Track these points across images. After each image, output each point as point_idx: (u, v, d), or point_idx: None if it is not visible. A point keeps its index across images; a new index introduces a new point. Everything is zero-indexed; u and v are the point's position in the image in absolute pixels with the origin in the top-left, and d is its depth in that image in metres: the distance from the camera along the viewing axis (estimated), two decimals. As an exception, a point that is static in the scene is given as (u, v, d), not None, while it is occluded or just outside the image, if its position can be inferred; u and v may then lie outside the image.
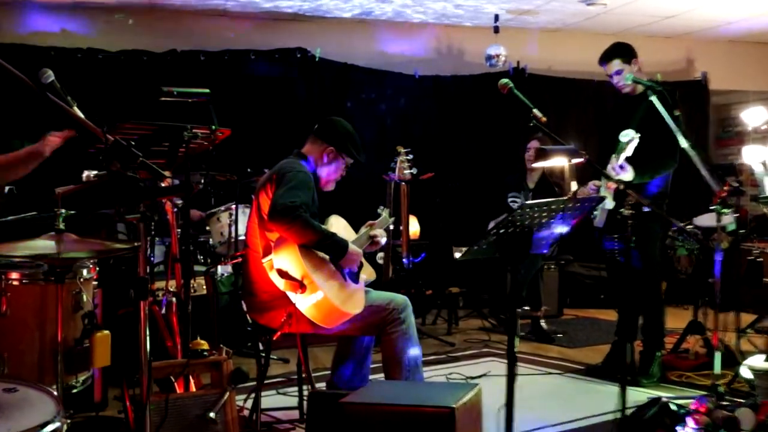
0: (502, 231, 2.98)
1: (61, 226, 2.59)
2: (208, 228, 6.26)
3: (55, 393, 2.18)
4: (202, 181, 6.18)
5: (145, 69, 7.68)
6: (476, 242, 3.03)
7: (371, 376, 4.28)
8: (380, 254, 6.51)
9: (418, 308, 4.56)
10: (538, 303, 6.76)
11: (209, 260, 6.29)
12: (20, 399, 2.12)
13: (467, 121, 8.81)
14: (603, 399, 4.59)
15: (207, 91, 3.61)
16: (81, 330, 2.70)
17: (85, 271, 2.79)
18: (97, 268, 2.95)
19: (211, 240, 6.26)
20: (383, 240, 4.30)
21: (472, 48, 8.91)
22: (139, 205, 2.68)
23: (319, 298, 3.61)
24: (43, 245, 2.55)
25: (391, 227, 4.52)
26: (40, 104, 3.46)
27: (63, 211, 2.60)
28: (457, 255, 7.22)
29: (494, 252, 3.06)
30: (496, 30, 8.38)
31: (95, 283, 2.93)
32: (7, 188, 3.82)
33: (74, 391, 2.75)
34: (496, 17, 8.34)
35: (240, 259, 4.95)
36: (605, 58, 5.11)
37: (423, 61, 8.87)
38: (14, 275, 2.61)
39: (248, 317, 4.18)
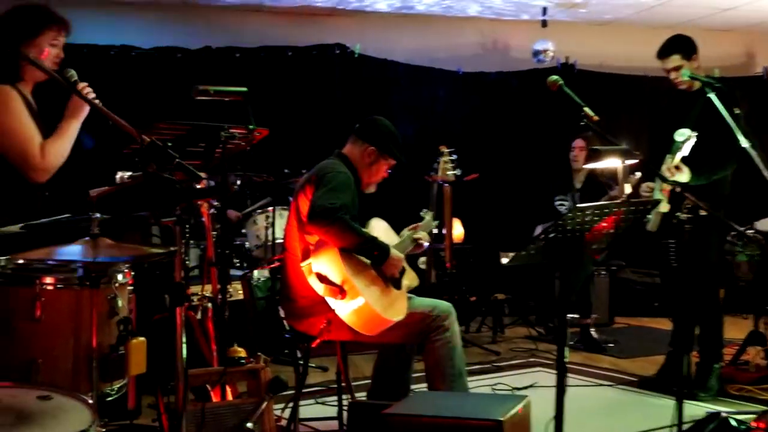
0: (551, 236, 2.97)
1: (96, 230, 2.63)
2: (244, 231, 6.32)
3: (90, 401, 2.22)
4: (238, 182, 6.26)
5: (179, 66, 7.77)
6: (524, 247, 3.02)
7: (413, 386, 4.29)
8: (422, 259, 6.51)
9: (461, 315, 4.53)
10: (587, 310, 6.71)
11: (245, 264, 6.34)
12: (55, 407, 2.16)
13: (513, 120, 8.77)
14: (657, 413, 4.54)
15: (244, 89, 3.64)
16: (116, 336, 2.73)
17: (120, 276, 2.82)
18: (132, 273, 2.98)
19: (247, 243, 6.32)
20: (426, 243, 4.31)
21: (519, 43, 8.89)
22: (175, 207, 2.72)
23: (359, 304, 3.61)
24: (78, 250, 2.59)
25: (435, 231, 4.52)
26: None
27: (98, 214, 2.64)
28: (505, 261, 7.20)
29: (543, 258, 3.05)
30: (544, 24, 8.35)
31: (130, 288, 2.97)
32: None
33: (109, 399, 2.78)
34: (544, 10, 8.30)
35: (278, 264, 4.99)
36: (664, 52, 5.05)
37: (467, 57, 8.86)
38: (48, 280, 2.64)
39: (286, 323, 4.21)
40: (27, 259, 2.70)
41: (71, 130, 3.48)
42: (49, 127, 3.51)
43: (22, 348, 2.60)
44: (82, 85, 3.31)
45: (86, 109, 3.47)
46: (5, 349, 2.55)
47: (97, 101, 3.18)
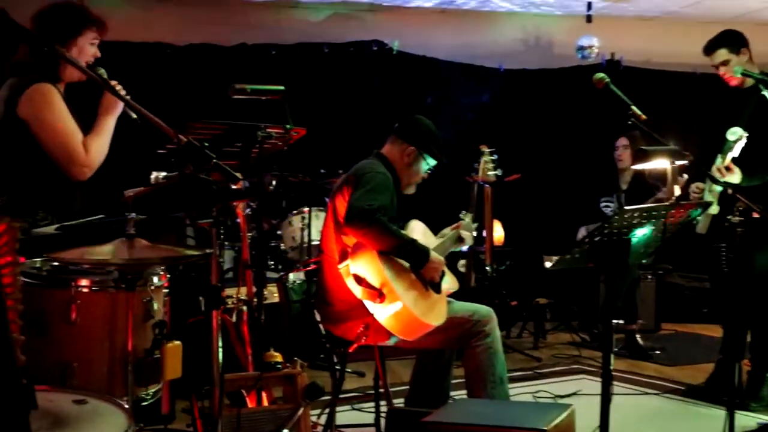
0: (596, 239, 2.95)
1: (132, 230, 2.66)
2: (279, 232, 6.34)
3: (126, 406, 2.24)
4: (274, 182, 6.28)
5: (213, 64, 7.83)
6: (568, 250, 3.01)
7: (452, 393, 4.28)
8: (462, 262, 6.50)
9: (502, 320, 4.51)
10: (633, 316, 6.65)
11: (280, 266, 6.37)
12: (90, 411, 2.18)
13: (556, 119, 8.71)
14: (706, 424, 4.50)
15: (281, 88, 3.65)
16: (151, 340, 2.76)
17: (155, 279, 2.85)
18: (168, 276, 3.01)
19: (282, 245, 6.34)
20: (469, 241, 4.32)
21: (562, 39, 8.83)
22: (211, 209, 2.74)
23: (398, 308, 3.62)
24: (114, 251, 2.62)
25: (474, 233, 4.51)
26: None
27: (134, 215, 2.67)
28: (548, 264, 7.16)
29: (589, 262, 3.03)
30: (589, 19, 8.28)
31: (165, 290, 3.00)
32: None
33: (144, 404, 2.81)
34: (589, 5, 8.23)
35: (314, 266, 5.01)
36: (710, 47, 5.00)
37: (509, 53, 8.82)
38: (84, 282, 2.68)
39: (322, 327, 4.21)
40: (62, 261, 2.73)
41: (108, 126, 3.53)
42: (81, 126, 3.55)
43: (58, 351, 2.64)
44: (113, 82, 3.35)
45: (120, 105, 3.52)
46: (40, 352, 2.59)
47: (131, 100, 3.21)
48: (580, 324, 7.59)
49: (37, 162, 3.39)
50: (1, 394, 1.27)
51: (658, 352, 6.64)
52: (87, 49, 3.53)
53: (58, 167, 3.41)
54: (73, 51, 3.46)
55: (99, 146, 3.46)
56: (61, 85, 3.53)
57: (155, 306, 2.79)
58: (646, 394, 5.37)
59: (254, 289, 3.85)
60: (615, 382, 3.05)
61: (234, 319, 4.09)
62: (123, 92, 3.27)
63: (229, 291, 4.27)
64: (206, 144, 2.48)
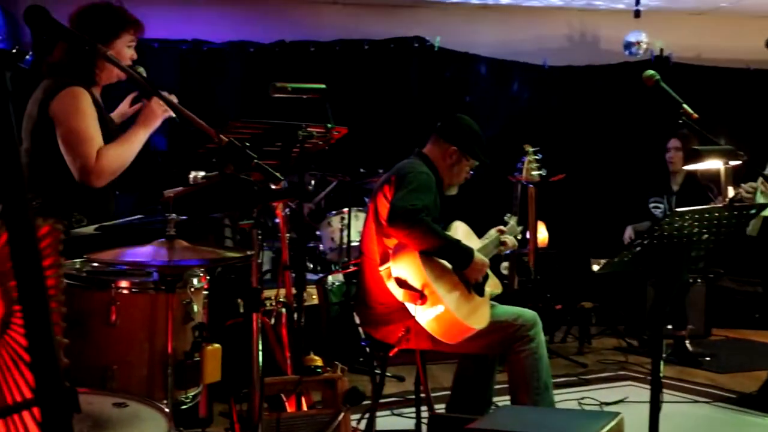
0: (647, 242, 2.92)
1: (173, 231, 2.68)
2: (318, 233, 6.37)
3: (166, 409, 2.26)
4: (312, 182, 6.32)
5: (251, 61, 7.88)
6: (616, 252, 2.99)
7: (495, 399, 4.27)
8: (504, 264, 6.48)
9: (546, 324, 4.50)
10: (682, 321, 6.59)
11: (318, 267, 6.40)
12: (130, 414, 2.21)
13: (603, 117, 8.65)
14: (759, 433, 4.45)
15: (323, 86, 3.66)
16: (191, 343, 2.79)
17: (195, 280, 2.88)
18: (207, 277, 3.04)
19: (320, 246, 6.37)
20: (511, 246, 4.31)
21: (609, 34, 8.77)
22: (252, 209, 2.76)
23: (440, 310, 3.62)
24: (154, 252, 2.65)
25: (519, 236, 4.51)
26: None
27: (174, 215, 2.69)
28: (595, 268, 7.11)
29: (638, 266, 3.01)
30: (637, 14, 8.20)
31: (205, 292, 3.02)
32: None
33: (183, 407, 2.84)
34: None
35: (354, 268, 5.02)
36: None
37: (553, 49, 8.77)
38: (124, 283, 2.71)
39: (361, 331, 4.23)
40: (102, 262, 2.77)
41: (138, 138, 3.53)
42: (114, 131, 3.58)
43: (97, 353, 2.67)
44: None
45: (159, 120, 3.55)
46: (80, 354, 2.62)
47: (175, 100, 3.23)
48: (626, 329, 7.53)
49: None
50: (46, 397, 1.29)
51: (708, 358, 6.57)
52: (124, 51, 3.57)
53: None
54: (110, 53, 3.50)
55: (115, 156, 3.42)
56: (97, 89, 3.56)
57: (195, 308, 2.82)
58: (696, 402, 5.31)
59: (293, 291, 3.87)
60: (664, 390, 3.01)
61: (272, 321, 4.11)
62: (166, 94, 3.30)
63: (268, 293, 4.31)
64: (247, 144, 2.50)
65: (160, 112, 3.55)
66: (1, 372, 1.51)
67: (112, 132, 3.55)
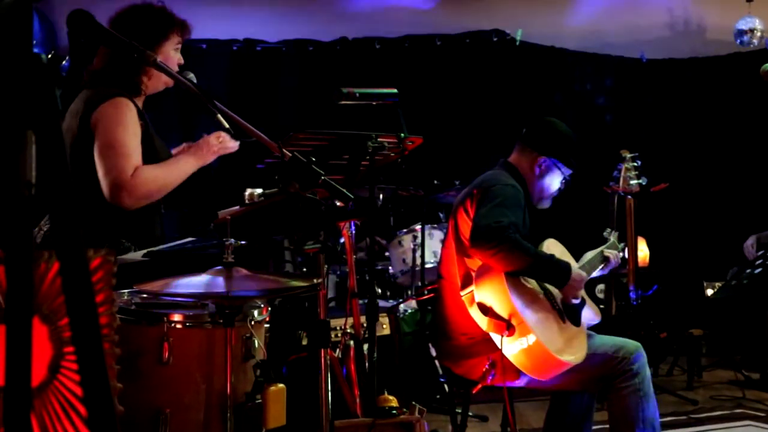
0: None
1: (231, 258, 2.70)
2: (387, 254, 6.38)
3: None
4: (381, 197, 6.33)
5: (310, 61, 7.95)
6: (735, 272, 2.94)
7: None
8: (600, 287, 6.41)
9: (650, 355, 4.43)
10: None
11: (388, 292, 6.41)
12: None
13: (711, 116, 8.53)
14: None
15: (394, 91, 3.66)
16: (252, 382, 2.80)
17: (256, 312, 2.89)
18: (269, 308, 3.05)
19: (390, 268, 6.38)
20: (616, 260, 4.27)
21: (717, 22, 8.65)
22: (318, 231, 2.77)
23: (530, 342, 3.60)
24: (210, 281, 2.66)
25: (620, 254, 4.46)
26: (198, 112, 3.68)
27: (232, 240, 2.71)
28: (709, 292, 7.00)
29: (762, 290, 2.95)
30: (750, -3, 8.10)
31: (266, 326, 3.04)
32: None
33: (244, 454, 2.85)
34: (750, -19, 8.06)
35: (430, 295, 5.01)
36: None
37: (651, 40, 8.69)
38: (177, 317, 2.73)
39: (438, 364, 4.21)
40: (152, 293, 2.79)
41: (184, 167, 3.56)
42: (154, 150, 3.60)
43: (148, 395, 2.68)
44: None
45: (213, 156, 3.58)
46: (130, 397, 2.63)
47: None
48: (743, 359, 7.39)
49: None
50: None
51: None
52: (172, 55, 3.62)
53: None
54: (158, 58, 3.54)
55: (153, 177, 3.43)
56: (140, 99, 3.60)
57: (256, 344, 2.83)
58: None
59: (362, 321, 3.87)
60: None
61: (339, 355, 4.11)
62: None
63: (333, 322, 4.31)
64: (313, 159, 2.51)
65: (216, 147, 3.58)
66: (50, 420, 1.54)
67: (159, 150, 3.57)
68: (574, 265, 4.08)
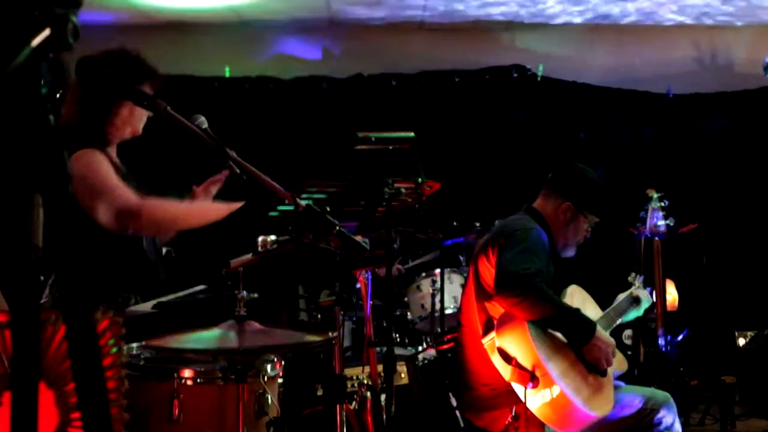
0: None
1: (243, 311, 2.71)
2: (405, 299, 6.36)
3: None
4: (398, 240, 6.32)
5: (324, 98, 7.97)
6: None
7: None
8: (627, 332, 6.38)
9: (680, 403, 4.41)
10: None
11: (406, 339, 6.38)
12: None
13: (741, 152, 8.49)
14: None
15: (411, 135, 3.68)
16: (265, 440, 2.80)
17: (269, 367, 2.89)
18: (282, 362, 3.05)
19: (409, 314, 6.36)
20: (647, 301, 4.26)
21: (745, 55, 8.64)
22: (333, 282, 2.78)
23: (554, 394, 3.59)
24: (222, 335, 2.67)
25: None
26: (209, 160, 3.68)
27: (245, 293, 2.72)
28: (741, 342, 6.97)
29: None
30: (779, 30, 8.11)
31: (280, 381, 3.04)
32: (164, 249, 3.99)
33: None
34: (779, 12, 8.07)
35: (450, 344, 4.99)
36: None
37: (678, 75, 8.68)
38: (188, 373, 2.73)
39: (459, 416, 4.19)
40: (162, 347, 2.79)
41: (188, 218, 3.50)
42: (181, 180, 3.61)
43: (159, 455, 2.69)
44: None
45: (212, 220, 3.51)
46: (139, 456, 2.64)
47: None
48: (778, 408, 7.35)
49: (103, 235, 3.34)
50: None
51: None
52: (140, 111, 3.57)
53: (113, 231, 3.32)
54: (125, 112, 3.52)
55: (161, 208, 3.40)
56: (112, 149, 3.57)
57: (270, 400, 2.83)
58: None
59: (379, 370, 3.86)
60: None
61: (355, 406, 4.10)
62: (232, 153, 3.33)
63: (349, 371, 4.30)
64: (327, 209, 2.52)
65: (221, 213, 3.50)
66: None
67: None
68: (597, 314, 4.07)
